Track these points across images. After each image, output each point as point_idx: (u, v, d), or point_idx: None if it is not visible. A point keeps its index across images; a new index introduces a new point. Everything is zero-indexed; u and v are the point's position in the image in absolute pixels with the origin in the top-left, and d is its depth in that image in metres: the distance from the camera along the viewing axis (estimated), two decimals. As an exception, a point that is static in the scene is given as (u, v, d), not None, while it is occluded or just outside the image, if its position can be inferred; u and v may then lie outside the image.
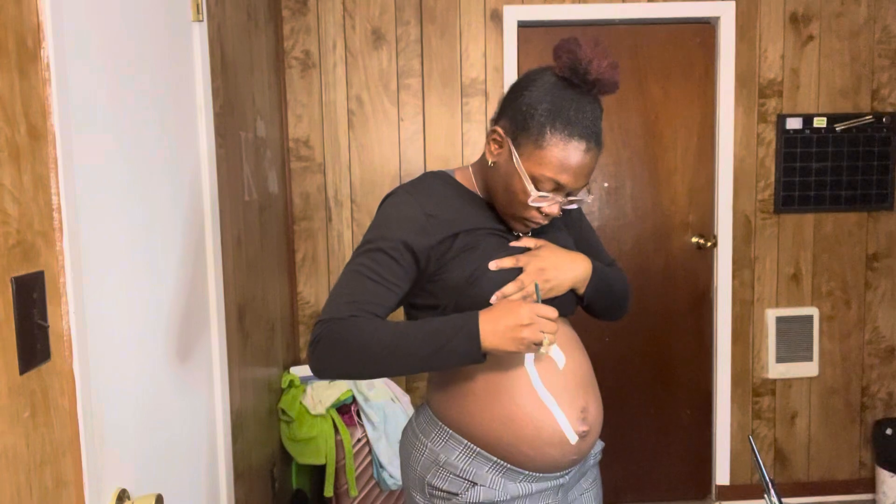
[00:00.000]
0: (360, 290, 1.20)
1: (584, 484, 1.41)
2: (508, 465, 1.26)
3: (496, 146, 1.28)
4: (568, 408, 1.25)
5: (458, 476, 1.26)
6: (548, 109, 1.20)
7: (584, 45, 1.19)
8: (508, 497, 1.26)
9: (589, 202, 1.31)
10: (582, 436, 1.26)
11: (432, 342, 1.15)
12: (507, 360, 1.24)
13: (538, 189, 1.22)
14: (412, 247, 1.23)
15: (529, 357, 1.24)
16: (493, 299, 1.24)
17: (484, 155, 1.32)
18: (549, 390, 1.24)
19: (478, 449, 1.27)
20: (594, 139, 1.22)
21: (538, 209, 1.25)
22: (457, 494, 1.26)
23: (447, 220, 1.27)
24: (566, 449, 1.25)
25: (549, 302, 1.29)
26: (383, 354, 1.16)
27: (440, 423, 1.31)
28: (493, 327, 1.14)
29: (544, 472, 1.27)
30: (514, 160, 1.23)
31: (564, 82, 1.22)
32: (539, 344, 1.16)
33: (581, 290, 1.34)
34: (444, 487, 1.27)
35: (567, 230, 1.45)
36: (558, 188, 1.23)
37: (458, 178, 1.38)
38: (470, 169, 1.39)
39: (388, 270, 1.22)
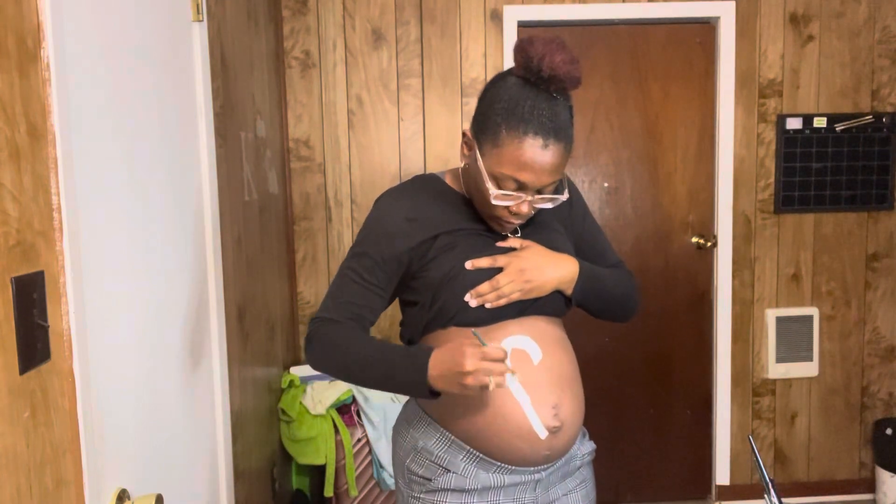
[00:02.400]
0: (348, 293, 1.32)
1: (570, 484, 1.40)
2: (481, 455, 1.29)
3: (467, 148, 1.31)
4: (539, 403, 1.26)
5: (433, 462, 1.31)
6: (503, 108, 1.21)
7: (536, 42, 1.19)
8: (479, 486, 1.29)
9: (562, 200, 1.28)
10: (553, 431, 1.27)
11: (388, 370, 1.24)
12: None
13: (501, 188, 1.24)
14: (392, 251, 1.30)
15: (505, 347, 1.26)
16: (466, 297, 1.28)
17: None
18: (522, 385, 1.25)
19: (452, 437, 1.31)
20: (553, 135, 1.20)
21: (507, 208, 1.26)
22: (430, 480, 1.31)
23: (428, 222, 1.31)
24: (536, 444, 1.26)
25: (532, 302, 1.31)
26: (352, 368, 1.28)
27: (422, 412, 1.36)
28: (440, 372, 1.17)
29: (516, 465, 1.29)
30: (478, 160, 1.25)
31: (523, 81, 1.22)
32: (486, 386, 1.14)
33: (568, 292, 1.35)
34: (420, 472, 1.33)
35: (565, 231, 1.45)
36: (522, 187, 1.23)
37: (448, 179, 1.42)
38: (459, 170, 1.42)
39: (372, 274, 1.31)
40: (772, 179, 3.24)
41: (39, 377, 0.94)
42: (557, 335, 1.35)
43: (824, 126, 3.21)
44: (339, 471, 2.76)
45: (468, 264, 1.28)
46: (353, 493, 2.76)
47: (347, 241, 3.20)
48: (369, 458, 2.79)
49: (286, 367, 2.97)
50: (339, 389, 2.82)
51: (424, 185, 1.39)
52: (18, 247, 0.90)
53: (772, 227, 3.27)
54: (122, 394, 1.22)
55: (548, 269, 1.31)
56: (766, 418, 3.34)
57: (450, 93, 3.17)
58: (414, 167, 3.18)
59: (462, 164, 1.35)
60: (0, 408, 0.86)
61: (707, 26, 3.23)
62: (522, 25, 3.17)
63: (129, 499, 1.15)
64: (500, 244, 1.33)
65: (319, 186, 3.18)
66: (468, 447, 1.29)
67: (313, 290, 3.21)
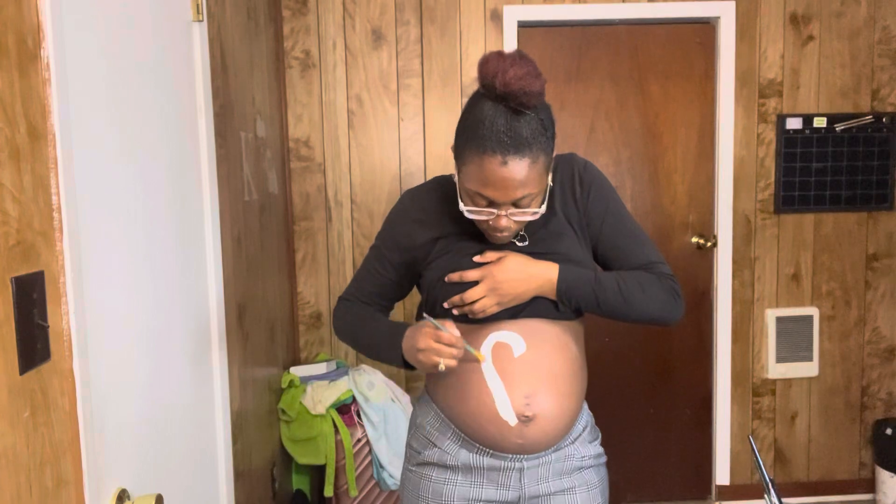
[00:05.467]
0: (364, 279, 1.51)
1: (566, 483, 1.40)
2: (464, 436, 1.38)
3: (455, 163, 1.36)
4: (511, 392, 1.31)
5: (425, 436, 1.44)
6: (466, 127, 1.25)
7: (491, 59, 1.20)
8: (460, 464, 1.38)
9: (541, 213, 1.28)
10: (522, 420, 1.31)
11: (379, 343, 1.42)
12: (472, 343, 1.35)
13: (475, 204, 1.27)
14: (398, 248, 1.44)
15: (489, 340, 1.34)
16: (446, 304, 1.38)
17: None
18: (499, 373, 1.32)
19: (443, 416, 1.41)
20: (512, 151, 1.19)
21: (487, 223, 1.29)
22: (420, 452, 1.44)
23: (432, 224, 1.41)
24: (505, 430, 1.32)
25: (525, 306, 1.35)
26: (357, 342, 1.48)
27: (426, 392, 1.50)
28: (406, 346, 1.34)
29: (490, 448, 1.35)
30: (454, 177, 1.34)
31: (485, 98, 1.24)
32: (436, 365, 1.27)
33: (552, 297, 1.35)
34: (414, 445, 1.47)
35: (580, 234, 1.40)
36: (492, 203, 1.25)
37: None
38: None
39: (381, 264, 1.48)
40: (772, 179, 3.24)
41: (39, 377, 0.94)
42: (553, 335, 1.36)
43: (824, 126, 3.21)
44: (338, 471, 2.76)
45: (454, 276, 1.36)
46: (353, 493, 2.76)
47: (347, 241, 3.20)
48: (369, 458, 2.79)
49: (286, 367, 2.97)
50: (339, 389, 2.82)
51: (439, 187, 1.45)
52: (18, 247, 0.90)
53: (772, 227, 3.27)
54: (123, 394, 1.22)
55: (520, 280, 1.33)
56: (766, 418, 3.34)
57: (450, 93, 3.17)
58: (414, 167, 3.18)
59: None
60: (0, 408, 0.86)
61: (707, 26, 3.23)
62: (522, 25, 3.17)
63: (129, 499, 1.15)
64: (476, 258, 1.36)
65: (319, 186, 3.18)
66: (453, 427, 1.39)
67: (313, 290, 3.21)
